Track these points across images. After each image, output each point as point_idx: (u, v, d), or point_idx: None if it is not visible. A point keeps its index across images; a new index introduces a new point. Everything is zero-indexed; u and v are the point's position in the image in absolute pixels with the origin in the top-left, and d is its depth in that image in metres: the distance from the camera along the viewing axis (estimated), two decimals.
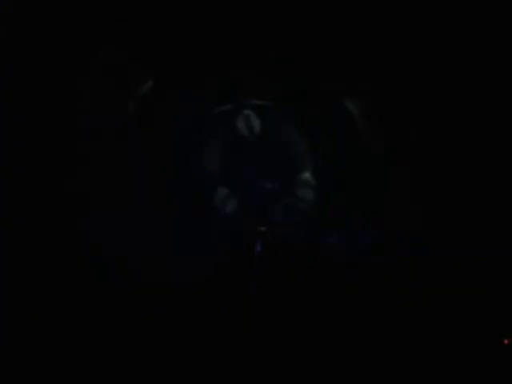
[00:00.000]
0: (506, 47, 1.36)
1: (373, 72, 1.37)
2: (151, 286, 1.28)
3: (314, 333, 1.23)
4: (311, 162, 1.31)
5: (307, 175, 1.29)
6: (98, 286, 1.27)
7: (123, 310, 1.26)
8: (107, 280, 1.27)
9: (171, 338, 1.22)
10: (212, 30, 1.42)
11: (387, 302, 1.24)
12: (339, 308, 1.24)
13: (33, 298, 1.23)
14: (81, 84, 1.34)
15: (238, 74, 1.39)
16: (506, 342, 1.12)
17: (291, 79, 1.36)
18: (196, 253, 1.30)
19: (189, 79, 1.39)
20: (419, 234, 1.26)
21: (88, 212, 1.30)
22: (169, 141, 1.33)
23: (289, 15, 1.41)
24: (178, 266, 1.29)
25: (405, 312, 1.22)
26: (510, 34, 1.35)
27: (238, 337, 1.23)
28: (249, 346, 1.21)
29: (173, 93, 1.35)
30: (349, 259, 1.27)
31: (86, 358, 1.16)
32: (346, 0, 1.41)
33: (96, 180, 1.32)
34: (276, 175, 1.32)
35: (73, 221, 1.30)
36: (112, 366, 1.17)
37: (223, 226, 1.29)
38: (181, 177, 1.33)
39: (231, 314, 1.26)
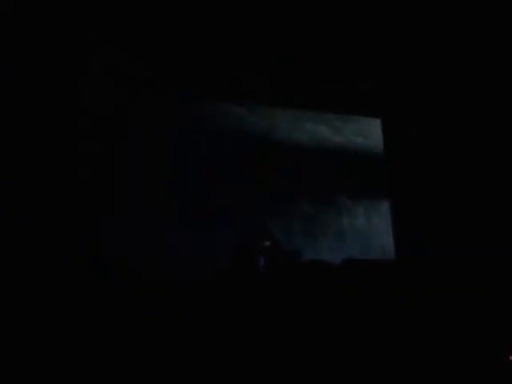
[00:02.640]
0: (505, 48, 1.35)
1: (373, 72, 1.37)
2: (151, 286, 1.28)
3: (312, 334, 1.22)
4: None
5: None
6: (98, 286, 1.26)
7: (123, 310, 1.25)
8: (107, 280, 1.27)
9: (171, 338, 1.22)
10: (212, 30, 1.42)
11: (382, 305, 1.23)
12: (336, 312, 1.24)
13: (33, 298, 1.22)
14: (81, 84, 1.34)
15: (238, 73, 1.39)
16: (510, 358, 1.11)
17: (291, 79, 1.35)
18: (197, 253, 1.29)
19: (188, 79, 1.39)
20: (419, 235, 1.26)
21: (88, 212, 1.30)
22: (169, 141, 1.33)
23: (289, 16, 1.41)
24: (178, 266, 1.29)
25: (405, 314, 1.22)
26: (510, 34, 1.35)
27: (238, 337, 1.22)
28: (249, 346, 1.20)
29: (173, 93, 1.35)
30: (342, 272, 1.29)
31: (86, 358, 1.16)
32: (346, 1, 1.41)
33: (96, 180, 1.31)
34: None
35: (73, 220, 1.29)
36: (112, 365, 1.16)
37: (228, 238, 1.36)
38: (181, 177, 1.32)
39: (231, 314, 1.25)
